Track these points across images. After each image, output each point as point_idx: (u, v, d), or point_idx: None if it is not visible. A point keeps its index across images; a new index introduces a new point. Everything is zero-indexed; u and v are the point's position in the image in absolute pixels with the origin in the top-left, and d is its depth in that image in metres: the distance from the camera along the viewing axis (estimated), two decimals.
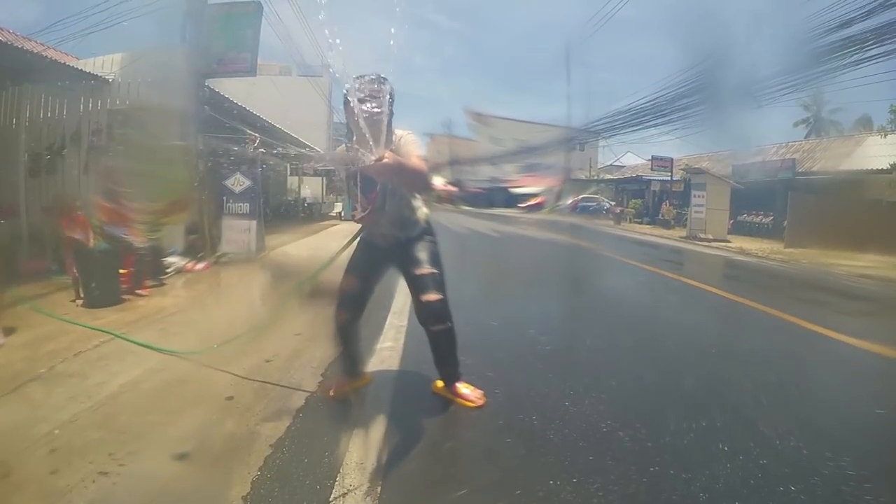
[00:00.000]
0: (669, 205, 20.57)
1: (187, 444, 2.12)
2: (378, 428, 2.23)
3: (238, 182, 7.72)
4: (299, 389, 2.74)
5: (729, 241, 14.32)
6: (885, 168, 13.94)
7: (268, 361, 3.27)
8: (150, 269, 6.30)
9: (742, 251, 11.94)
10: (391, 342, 3.39)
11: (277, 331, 4.04)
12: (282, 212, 19.63)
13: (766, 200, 16.83)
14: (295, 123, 22.54)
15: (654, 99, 17.75)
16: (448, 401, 2.51)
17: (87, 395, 2.66)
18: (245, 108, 10.44)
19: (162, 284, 5.95)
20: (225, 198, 7.70)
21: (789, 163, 16.06)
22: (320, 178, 23.30)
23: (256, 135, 8.67)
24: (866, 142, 16.53)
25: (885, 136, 12.59)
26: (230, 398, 2.62)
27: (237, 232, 7.52)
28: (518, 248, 10.61)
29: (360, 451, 2.03)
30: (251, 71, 7.73)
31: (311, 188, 25.64)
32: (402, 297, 4.88)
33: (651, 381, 2.86)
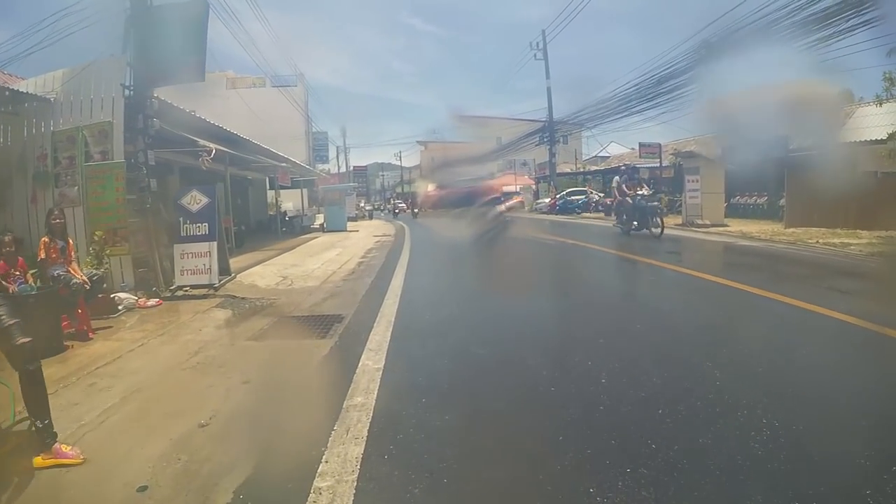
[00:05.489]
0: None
1: None
2: None
3: (194, 200, 6.89)
4: (234, 471, 2.04)
5: (727, 226, 13.76)
6: (881, 138, 13.48)
7: (202, 426, 2.57)
8: (99, 308, 5.60)
9: (744, 235, 11.35)
10: (361, 396, 2.61)
11: (222, 376, 3.32)
12: (262, 227, 18.87)
13: (759, 180, 16.31)
14: (275, 136, 21.93)
15: (637, 84, 17.39)
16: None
17: None
18: (206, 119, 9.64)
19: (109, 327, 5.21)
20: (181, 219, 6.89)
21: (781, 140, 15.52)
22: (300, 190, 22.52)
23: (212, 145, 7.83)
24: (856, 113, 16.12)
25: (881, 104, 12.06)
26: (143, 489, 1.99)
27: (195, 258, 6.69)
28: (502, 252, 9.90)
29: None
30: (199, 76, 6.94)
31: (291, 201, 24.94)
32: (381, 327, 4.15)
33: (705, 441, 2.08)
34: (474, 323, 4.40)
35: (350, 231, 18.90)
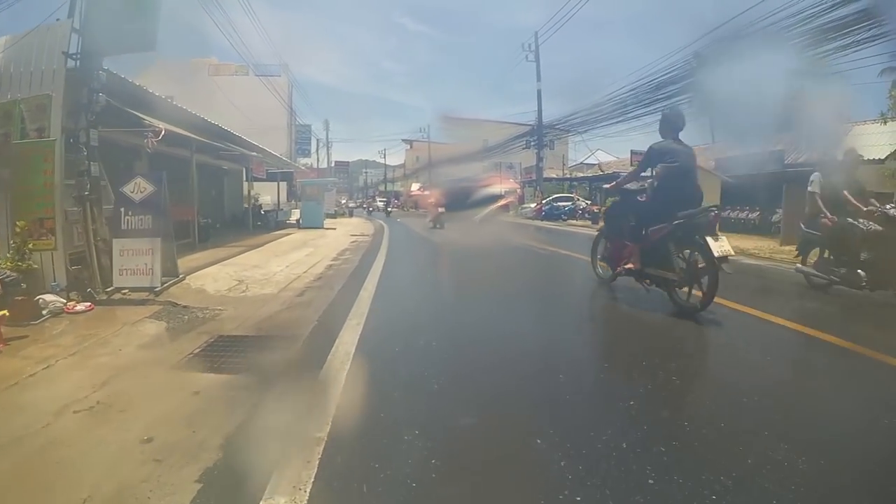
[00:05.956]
0: None
1: None
2: None
3: (139, 188, 5.97)
4: None
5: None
6: (878, 158, 13.16)
7: None
8: (20, 313, 4.68)
9: (742, 252, 10.78)
10: (285, 496, 1.73)
11: (120, 428, 2.49)
12: (236, 220, 17.84)
13: (751, 194, 15.89)
14: (257, 126, 20.94)
15: (633, 90, 16.88)
16: None
17: None
18: (166, 98, 8.69)
19: (25, 336, 4.31)
20: (123, 209, 5.96)
21: (777, 154, 15.13)
22: (276, 183, 21.47)
23: (161, 125, 6.90)
24: (853, 131, 15.82)
25: (886, 122, 11.69)
26: None
27: (136, 255, 5.78)
28: (491, 261, 9.11)
29: None
30: (150, 45, 6.02)
31: (270, 195, 23.94)
32: (336, 363, 3.25)
33: None
34: (460, 367, 3.31)
35: (327, 228, 17.97)
